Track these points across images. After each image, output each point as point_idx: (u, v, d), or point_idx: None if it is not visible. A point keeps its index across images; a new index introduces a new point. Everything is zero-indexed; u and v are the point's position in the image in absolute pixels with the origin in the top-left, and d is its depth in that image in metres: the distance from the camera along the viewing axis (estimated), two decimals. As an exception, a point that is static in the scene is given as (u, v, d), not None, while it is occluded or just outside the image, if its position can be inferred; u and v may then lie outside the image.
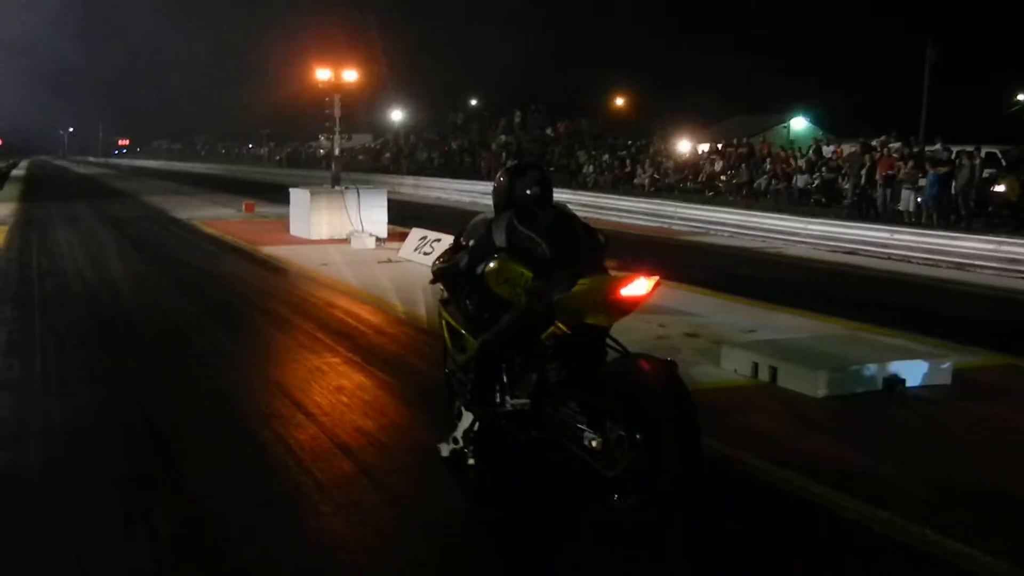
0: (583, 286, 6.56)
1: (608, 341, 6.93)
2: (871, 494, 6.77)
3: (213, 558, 5.90)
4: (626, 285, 6.47)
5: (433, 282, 8.04)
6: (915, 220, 28.53)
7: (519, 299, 6.88)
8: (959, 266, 22.19)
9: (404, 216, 27.07)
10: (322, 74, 26.90)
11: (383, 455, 7.63)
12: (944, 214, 28.39)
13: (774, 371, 9.79)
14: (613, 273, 6.81)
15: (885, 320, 13.12)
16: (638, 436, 6.15)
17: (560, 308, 6.59)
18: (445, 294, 7.96)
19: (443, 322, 7.85)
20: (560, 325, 6.59)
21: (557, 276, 6.66)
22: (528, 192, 7.17)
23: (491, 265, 7.15)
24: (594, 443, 6.41)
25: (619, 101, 76.78)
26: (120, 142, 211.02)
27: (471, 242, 7.45)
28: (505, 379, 7.16)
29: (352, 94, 28.24)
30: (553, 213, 7.11)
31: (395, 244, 21.89)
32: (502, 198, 7.31)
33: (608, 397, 6.44)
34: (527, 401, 7.00)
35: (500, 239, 7.01)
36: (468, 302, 7.52)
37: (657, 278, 6.56)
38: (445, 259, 7.90)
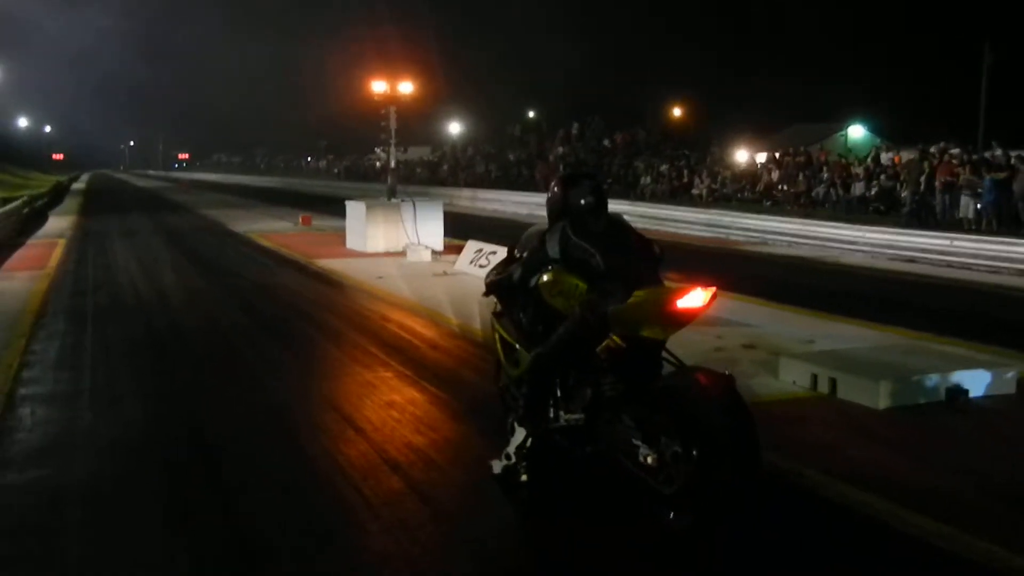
0: (638, 298, 6.43)
1: (664, 354, 6.79)
2: (934, 508, 6.58)
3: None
4: (682, 297, 6.34)
5: (487, 294, 7.91)
6: (975, 227, 28.12)
7: (573, 312, 6.76)
8: (1021, 272, 21.79)
9: (461, 229, 27.00)
10: (378, 86, 26.86)
11: (433, 471, 7.53)
12: (1004, 220, 27.97)
13: (833, 382, 9.60)
14: (669, 284, 6.67)
15: (946, 329, 12.87)
16: (694, 452, 6.02)
17: (615, 320, 6.47)
18: (498, 307, 7.85)
19: (496, 335, 7.74)
20: (615, 338, 6.48)
21: (611, 288, 6.54)
22: (582, 202, 7.03)
23: (545, 277, 7.05)
24: (649, 459, 6.29)
25: (676, 111, 76.40)
26: (180, 156, 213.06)
27: (524, 254, 7.33)
28: (559, 394, 7.04)
29: (409, 106, 28.20)
30: (607, 223, 7.00)
31: (451, 257, 21.83)
32: (556, 208, 7.18)
33: (663, 412, 6.31)
34: (581, 416, 6.88)
35: (554, 250, 6.90)
36: (522, 315, 7.42)
37: (714, 289, 6.43)
38: (499, 271, 7.77)
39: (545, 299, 7.06)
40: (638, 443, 6.39)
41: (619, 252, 6.75)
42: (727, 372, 6.38)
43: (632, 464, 6.44)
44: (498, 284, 7.67)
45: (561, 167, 54.43)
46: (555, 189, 7.28)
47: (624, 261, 6.71)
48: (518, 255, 7.56)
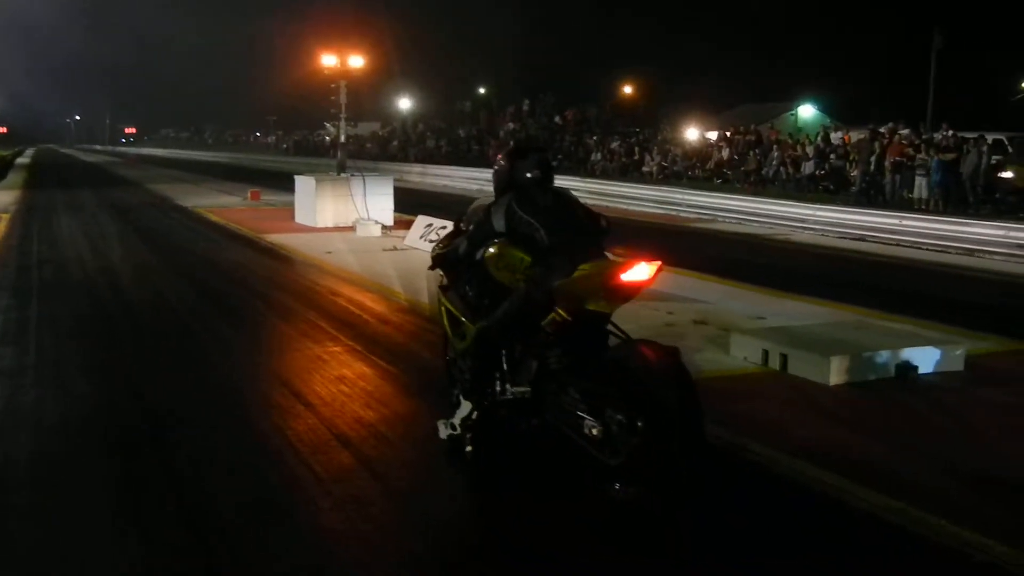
0: (583, 272, 6.40)
1: (610, 328, 6.77)
2: (884, 484, 6.61)
3: (205, 554, 5.75)
4: (627, 270, 6.31)
5: (432, 268, 7.85)
6: (925, 207, 28.33)
7: (519, 286, 6.73)
8: (969, 252, 21.99)
9: (411, 204, 26.89)
10: (327, 60, 26.63)
11: (383, 447, 7.48)
12: (952, 201, 28.21)
13: (784, 358, 9.62)
14: (614, 259, 6.64)
15: (896, 306, 12.95)
16: (639, 423, 6.01)
17: (560, 294, 6.44)
18: (445, 280, 7.79)
19: (443, 309, 7.68)
20: (560, 311, 6.44)
21: (556, 262, 6.50)
22: (528, 175, 7.00)
23: (490, 250, 7.01)
24: (594, 431, 6.26)
25: (627, 89, 76.48)
26: (127, 130, 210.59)
27: (471, 227, 7.28)
28: (505, 367, 7.01)
29: (359, 81, 28.00)
30: (553, 197, 6.96)
31: (401, 232, 21.74)
32: (502, 181, 7.15)
33: (608, 384, 6.29)
34: (527, 389, 6.84)
35: (499, 224, 6.85)
36: (468, 288, 7.37)
37: (659, 263, 6.41)
38: (445, 244, 7.72)
39: (491, 272, 7.02)
40: (583, 415, 6.36)
41: (565, 226, 6.72)
42: (672, 345, 6.33)
43: (578, 436, 6.41)
44: (444, 257, 7.61)
45: (511, 143, 54.36)
46: (502, 162, 7.24)
47: (570, 235, 6.68)
48: (464, 228, 7.51)
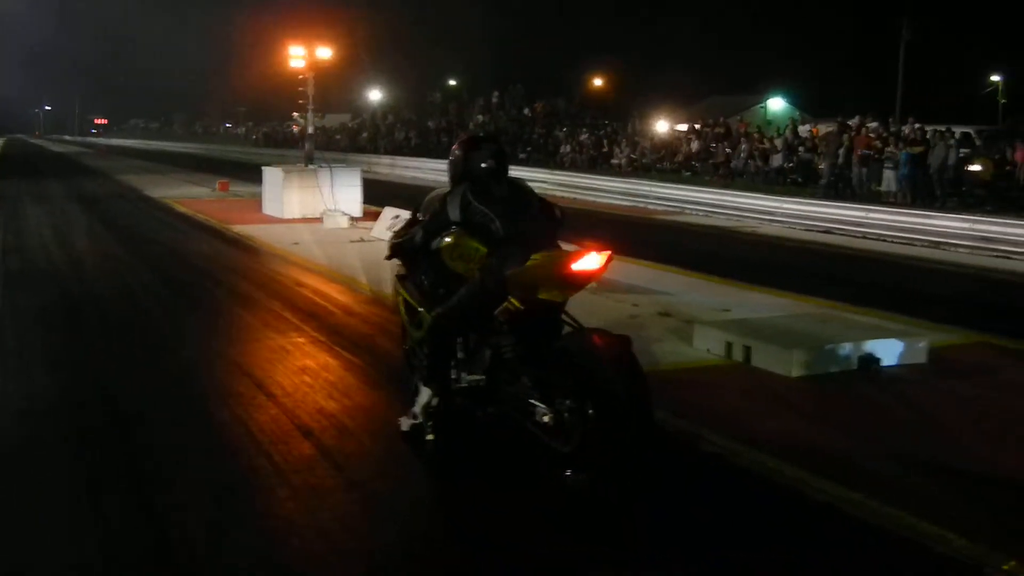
0: (535, 261, 6.46)
1: (564, 317, 6.84)
2: (844, 476, 6.62)
3: (161, 546, 5.70)
4: (577, 260, 6.39)
5: (388, 257, 7.84)
6: (894, 200, 28.43)
7: (473, 275, 6.75)
8: (935, 245, 22.16)
9: (379, 195, 26.81)
10: (295, 51, 26.48)
11: (345, 437, 7.45)
12: (919, 194, 28.33)
13: (748, 350, 9.63)
14: (566, 248, 6.69)
15: (860, 299, 13.02)
16: (589, 411, 6.10)
17: (512, 284, 6.50)
18: (402, 270, 7.82)
19: (400, 298, 7.73)
20: (513, 301, 6.51)
21: (510, 252, 6.56)
22: (483, 165, 7.02)
23: (446, 240, 7.05)
24: (546, 418, 6.34)
25: (597, 81, 76.50)
26: (96, 121, 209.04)
27: (427, 217, 7.29)
28: (460, 355, 7.06)
29: (328, 72, 27.91)
30: (508, 187, 7.01)
31: (369, 223, 21.63)
32: (457, 171, 7.17)
33: (559, 372, 6.36)
34: (482, 378, 6.91)
35: (455, 214, 6.88)
36: (423, 278, 7.41)
37: (608, 252, 6.48)
38: (402, 234, 7.71)
39: (446, 262, 7.06)
40: (535, 403, 6.43)
41: (519, 217, 6.78)
42: (623, 334, 6.41)
43: (530, 424, 6.49)
44: (400, 247, 7.60)
45: (481, 135, 54.14)
46: (457, 152, 7.26)
47: (524, 225, 6.74)
48: (421, 218, 7.53)
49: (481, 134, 8.41)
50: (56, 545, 5.69)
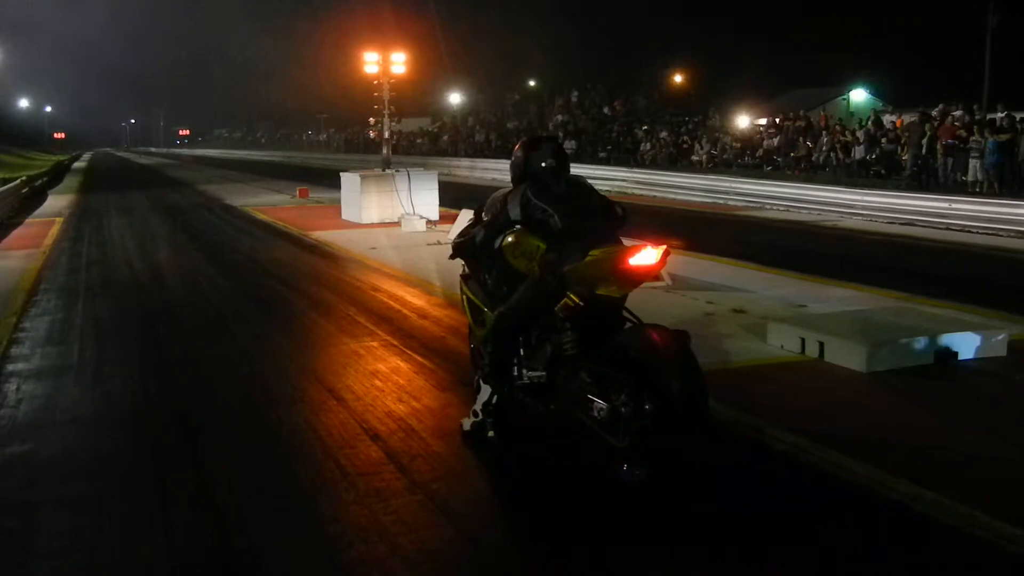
0: (593, 257, 6.52)
1: (625, 313, 6.87)
2: (917, 473, 6.48)
3: (226, 550, 5.77)
4: (634, 255, 6.43)
5: (452, 257, 7.99)
6: (979, 189, 27.92)
7: (535, 272, 6.78)
8: (1021, 235, 21.64)
9: (459, 198, 26.88)
10: (370, 57, 26.62)
11: (412, 440, 7.47)
12: (1007, 183, 27.78)
13: (821, 346, 9.50)
14: (625, 244, 6.70)
15: (940, 292, 12.82)
16: (646, 406, 6.12)
17: (571, 279, 6.57)
18: (466, 269, 7.90)
19: (464, 297, 7.82)
20: (572, 297, 6.58)
21: (569, 247, 6.62)
22: (543, 164, 7.14)
23: (508, 239, 7.14)
24: (603, 413, 6.38)
25: (677, 78, 76.09)
26: (181, 132, 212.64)
27: (488, 216, 7.36)
28: (522, 352, 7.16)
29: (405, 76, 27.98)
30: (567, 185, 7.07)
31: (446, 226, 21.72)
32: (518, 171, 7.28)
33: (616, 367, 6.39)
34: (543, 373, 7.00)
35: (515, 212, 6.98)
36: (487, 276, 7.49)
37: (665, 247, 6.53)
38: (465, 234, 7.78)
39: (508, 261, 7.14)
40: (593, 398, 6.49)
41: (577, 212, 6.84)
42: (682, 329, 6.44)
43: (588, 418, 6.54)
44: (463, 247, 7.72)
45: (562, 136, 54.17)
46: (518, 153, 7.36)
47: (582, 221, 6.79)
48: (484, 217, 7.58)
49: (541, 135, 8.45)
50: (125, 548, 5.78)
